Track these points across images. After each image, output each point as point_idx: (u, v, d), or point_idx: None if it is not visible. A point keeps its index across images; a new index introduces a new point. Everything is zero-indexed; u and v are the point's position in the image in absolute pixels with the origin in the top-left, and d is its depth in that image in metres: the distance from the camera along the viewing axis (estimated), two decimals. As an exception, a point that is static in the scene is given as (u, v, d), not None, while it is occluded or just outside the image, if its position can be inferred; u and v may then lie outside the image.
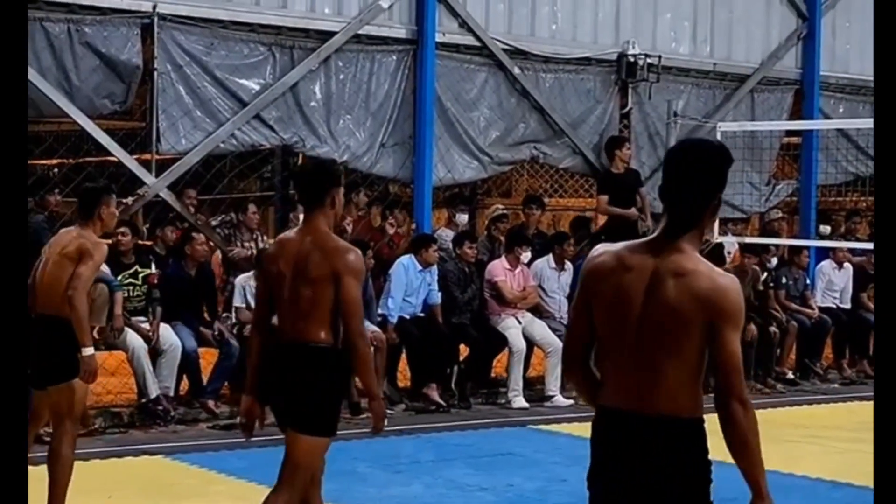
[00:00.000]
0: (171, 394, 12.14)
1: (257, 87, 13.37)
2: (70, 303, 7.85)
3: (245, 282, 12.55)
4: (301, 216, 13.54)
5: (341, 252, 6.41)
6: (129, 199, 12.86)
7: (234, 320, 12.66)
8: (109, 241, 10.65)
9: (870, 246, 16.98)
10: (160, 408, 11.84)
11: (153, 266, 12.25)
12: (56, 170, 16.64)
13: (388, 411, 12.88)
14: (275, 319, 6.60)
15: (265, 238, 13.91)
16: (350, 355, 6.41)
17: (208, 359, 12.64)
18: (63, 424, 8.00)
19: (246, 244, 13.25)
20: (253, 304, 12.30)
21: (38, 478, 8.59)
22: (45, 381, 7.98)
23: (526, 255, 13.99)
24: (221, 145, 13.31)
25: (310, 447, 6.41)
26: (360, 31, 13.87)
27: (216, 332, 12.41)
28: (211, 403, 12.18)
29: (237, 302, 12.60)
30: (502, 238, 14.77)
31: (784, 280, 16.18)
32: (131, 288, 12.02)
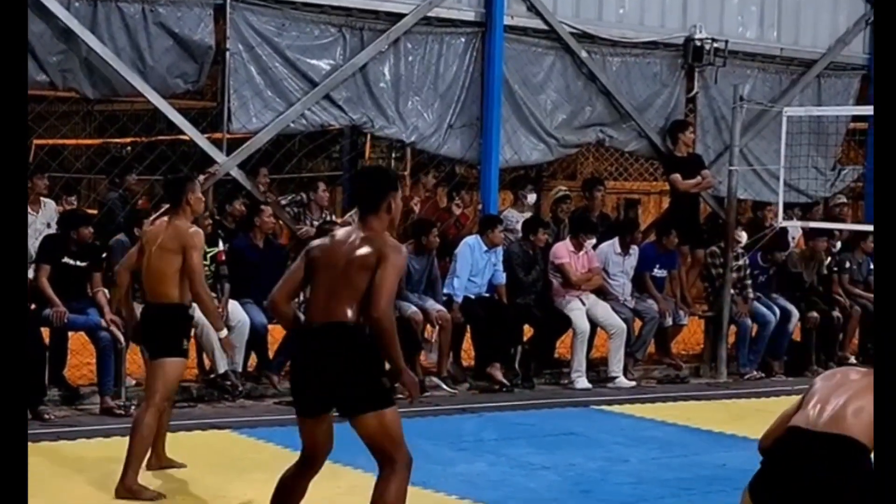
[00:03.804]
0: (240, 370, 12.35)
1: (327, 68, 13.51)
2: (196, 299, 8.66)
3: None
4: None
5: (390, 246, 6.47)
6: (201, 178, 13.05)
7: (301, 298, 12.79)
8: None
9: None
10: (228, 383, 12.05)
11: (221, 243, 12.44)
12: (129, 148, 16.89)
13: (452, 390, 13.09)
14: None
15: (333, 217, 14.09)
16: (374, 332, 6.46)
17: (277, 336, 12.82)
18: (152, 397, 8.57)
19: (315, 223, 13.40)
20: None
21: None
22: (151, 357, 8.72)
23: (591, 242, 14.06)
24: (291, 125, 13.47)
25: (383, 421, 6.47)
26: (429, 14, 13.95)
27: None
28: (275, 378, 12.37)
29: (304, 279, 12.72)
30: (566, 219, 14.88)
31: (848, 265, 16.17)
32: (201, 267, 12.21)
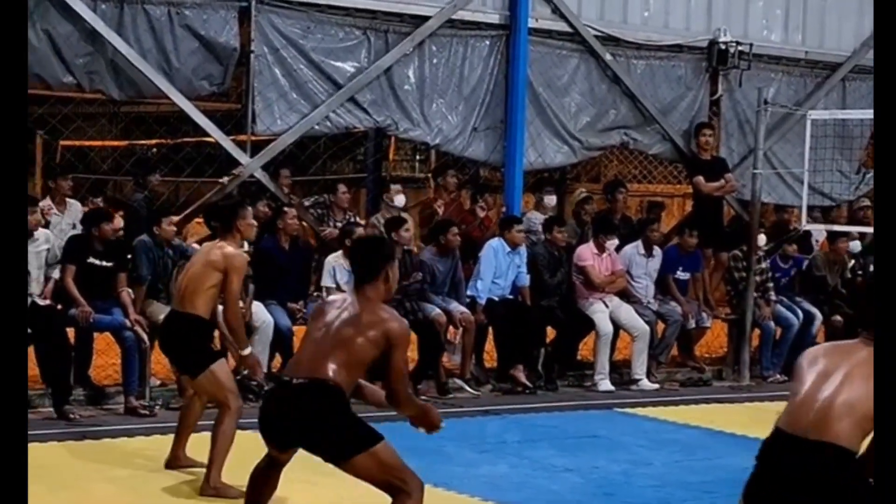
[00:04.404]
0: (265, 370, 12.38)
1: (352, 70, 13.55)
2: (226, 317, 8.96)
3: (334, 261, 12.73)
4: (395, 198, 13.80)
5: (389, 319, 6.48)
6: (225, 179, 13.13)
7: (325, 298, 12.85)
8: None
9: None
10: (254, 383, 12.08)
11: (245, 244, 12.48)
12: (154, 150, 16.97)
13: (475, 392, 13.13)
14: None
15: (357, 219, 14.13)
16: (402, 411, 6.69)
17: (301, 336, 12.84)
18: (222, 404, 8.81)
19: (338, 224, 13.45)
20: (342, 284, 12.58)
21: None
22: (191, 371, 8.99)
23: (612, 243, 14.07)
24: (316, 127, 13.52)
25: (377, 458, 6.38)
26: (453, 16, 13.98)
27: (303, 312, 12.61)
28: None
29: (326, 282, 12.75)
30: (590, 221, 14.90)
31: (872, 268, 16.13)
32: (225, 269, 12.27)
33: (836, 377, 5.14)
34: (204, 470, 8.83)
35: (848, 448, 5.03)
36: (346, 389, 6.45)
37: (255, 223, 9.51)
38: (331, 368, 6.40)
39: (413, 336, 12.88)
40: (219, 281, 8.77)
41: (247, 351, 9.21)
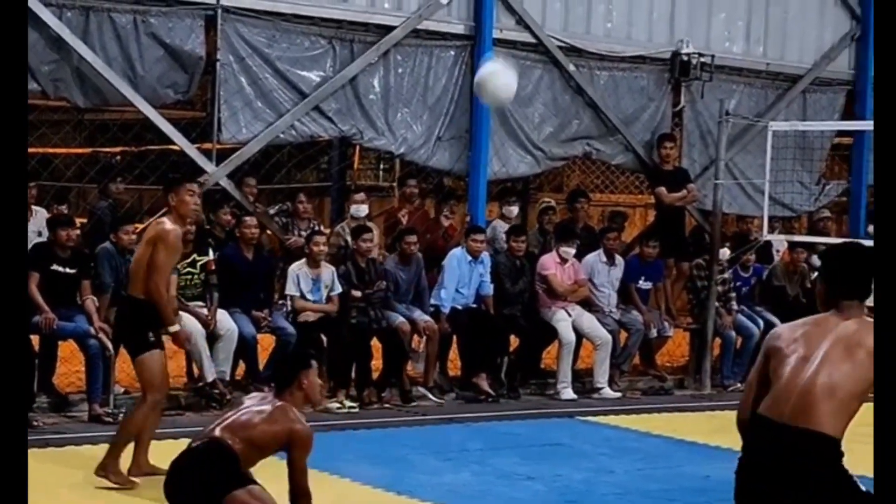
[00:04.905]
0: (227, 378, 12.40)
1: (317, 80, 13.58)
2: (147, 288, 8.91)
3: (297, 269, 12.78)
4: (352, 207, 13.86)
5: (293, 424, 6.93)
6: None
7: (288, 308, 12.89)
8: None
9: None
10: (216, 391, 12.11)
11: (211, 252, 12.51)
12: (119, 157, 16.94)
13: (438, 400, 13.18)
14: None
15: (321, 227, 14.16)
16: None
17: (266, 345, 12.88)
18: (142, 394, 9.04)
19: (303, 233, 13.48)
20: (306, 293, 12.65)
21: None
22: (130, 355, 9.20)
23: (568, 251, 14.14)
24: (281, 136, 13.55)
25: None
26: (419, 27, 14.04)
27: (268, 320, 12.65)
28: (266, 389, 12.40)
29: (291, 290, 12.80)
30: (552, 230, 14.97)
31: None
32: (190, 276, 12.29)
33: (815, 359, 5.12)
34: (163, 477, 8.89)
35: (832, 435, 5.04)
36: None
37: (190, 200, 9.43)
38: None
39: (377, 344, 13.02)
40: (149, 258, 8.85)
41: (174, 328, 9.25)
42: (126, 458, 9.04)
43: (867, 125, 17.05)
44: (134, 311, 8.97)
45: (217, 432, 6.93)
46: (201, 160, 13.09)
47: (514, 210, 15.21)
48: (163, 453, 9.50)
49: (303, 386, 7.08)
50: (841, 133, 17.73)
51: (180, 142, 13.10)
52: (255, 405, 7.11)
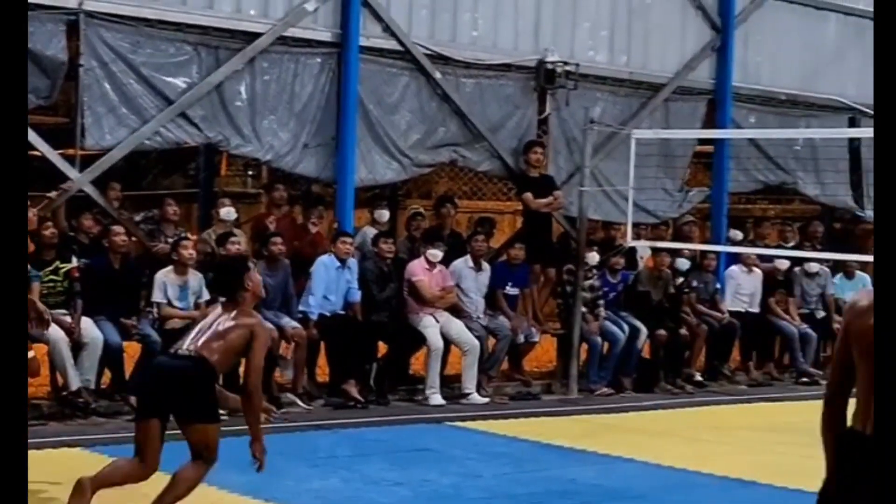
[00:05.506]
0: (92, 387, 12.25)
1: (183, 86, 13.47)
2: None
3: (164, 277, 12.68)
4: (221, 210, 13.76)
5: (254, 320, 7.72)
6: (53, 194, 12.95)
7: (155, 315, 12.77)
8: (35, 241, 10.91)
9: (778, 252, 17.44)
10: (80, 400, 11.95)
11: (74, 259, 12.35)
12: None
13: (307, 406, 13.15)
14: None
15: (188, 234, 14.05)
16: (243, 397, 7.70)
17: (132, 353, 12.75)
18: None
19: (169, 239, 13.36)
20: (174, 300, 12.56)
21: None
22: None
23: (435, 254, 14.23)
24: (146, 142, 13.40)
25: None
26: (285, 34, 14.00)
27: (136, 328, 12.53)
28: (132, 398, 12.28)
29: (157, 297, 12.70)
30: (420, 236, 15.04)
31: (695, 283, 16.55)
32: (53, 284, 12.12)
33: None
34: (35, 488, 8.74)
35: None
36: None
37: None
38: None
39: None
40: None
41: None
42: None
43: (727, 133, 17.41)
44: None
45: (201, 350, 7.51)
46: (64, 166, 12.91)
47: (385, 214, 15.27)
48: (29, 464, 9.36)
49: (248, 286, 7.75)
50: (703, 141, 18.04)
51: (42, 147, 12.85)
52: (223, 319, 7.65)
